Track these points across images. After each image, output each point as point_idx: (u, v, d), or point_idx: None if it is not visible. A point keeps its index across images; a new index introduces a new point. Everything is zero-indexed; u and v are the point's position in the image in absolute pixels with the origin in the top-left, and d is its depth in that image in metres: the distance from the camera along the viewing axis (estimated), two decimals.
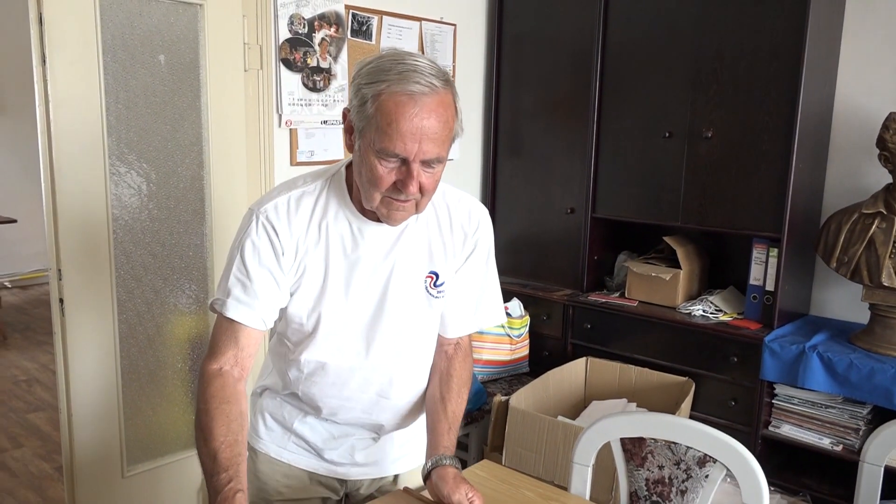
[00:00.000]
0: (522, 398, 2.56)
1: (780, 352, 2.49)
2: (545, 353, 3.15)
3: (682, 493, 1.40)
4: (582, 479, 1.48)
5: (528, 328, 3.12)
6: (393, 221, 1.25)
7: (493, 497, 1.46)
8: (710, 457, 1.38)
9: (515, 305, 3.09)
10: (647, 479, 1.43)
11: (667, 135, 2.82)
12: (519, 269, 3.37)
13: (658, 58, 2.84)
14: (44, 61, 2.04)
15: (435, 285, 1.33)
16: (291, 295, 1.29)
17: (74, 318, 2.18)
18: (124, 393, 2.33)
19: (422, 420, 1.45)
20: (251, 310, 1.25)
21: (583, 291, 3.10)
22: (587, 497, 1.48)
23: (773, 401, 2.59)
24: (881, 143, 2.39)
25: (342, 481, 1.46)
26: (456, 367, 1.41)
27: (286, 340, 1.36)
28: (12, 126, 5.89)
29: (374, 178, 1.17)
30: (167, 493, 2.46)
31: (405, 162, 1.16)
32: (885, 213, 2.41)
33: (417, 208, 1.24)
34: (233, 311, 1.24)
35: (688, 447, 1.40)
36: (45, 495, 2.91)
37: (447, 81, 1.18)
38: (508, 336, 3.03)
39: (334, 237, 1.28)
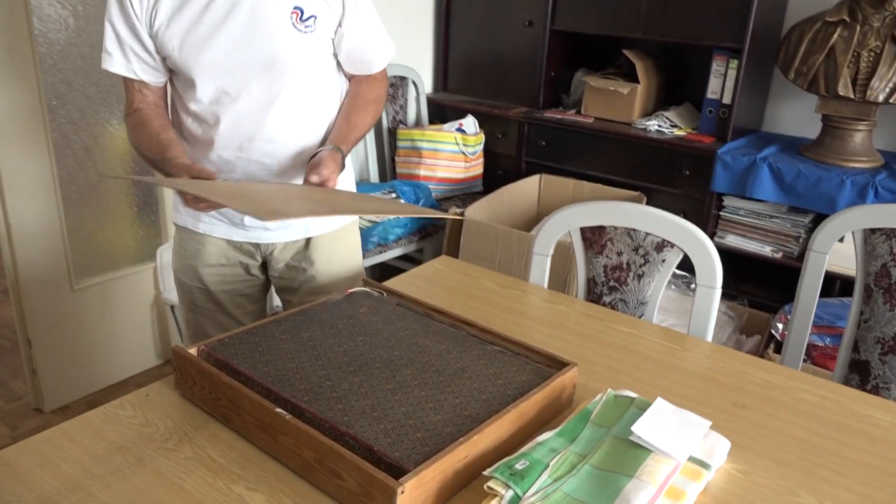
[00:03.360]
0: (477, 211, 2.56)
1: (731, 163, 2.52)
2: (499, 172, 3.13)
3: (640, 277, 1.43)
4: (541, 269, 1.49)
5: (482, 146, 3.07)
6: None
7: (453, 288, 1.47)
8: (668, 241, 1.40)
9: (470, 122, 3.02)
10: (605, 266, 1.45)
11: None
12: (474, 86, 3.27)
13: None
14: None
15: (301, 20, 1.30)
16: (159, 40, 1.29)
17: (4, 126, 2.03)
18: (65, 206, 2.23)
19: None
20: (126, 61, 1.32)
21: (539, 109, 3.04)
22: (545, 286, 1.51)
23: (721, 213, 2.66)
24: None
25: (256, 245, 1.48)
26: (363, 87, 1.46)
27: (176, 93, 1.38)
28: None
29: None
30: (120, 306, 2.44)
31: None
32: (847, 20, 2.36)
33: None
34: (108, 63, 1.32)
35: (647, 233, 1.41)
36: None
37: None
38: (463, 154, 2.99)
39: None
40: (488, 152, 3.13)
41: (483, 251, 2.41)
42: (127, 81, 1.36)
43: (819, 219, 2.55)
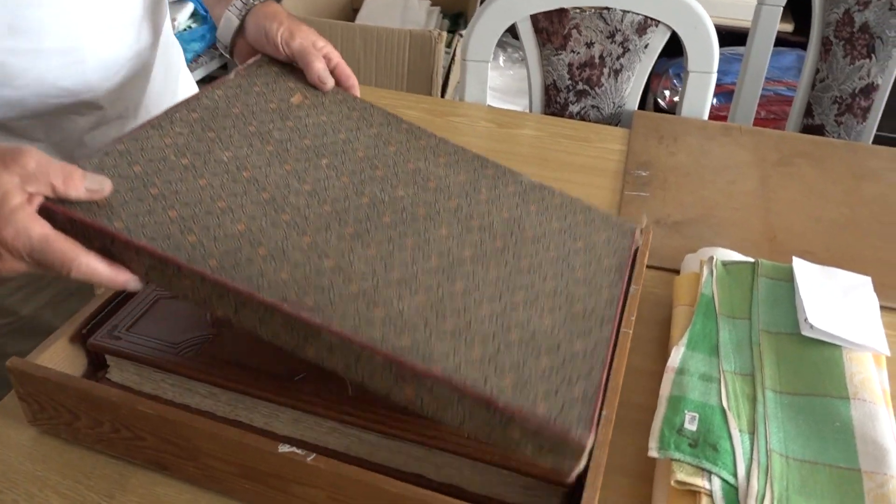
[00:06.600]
0: (290, 3, 1.98)
1: None
2: None
3: (616, 72, 1.08)
4: (480, 82, 1.09)
5: None
6: None
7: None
8: (652, 19, 1.05)
9: None
10: (570, 65, 1.08)
11: None
12: None
13: None
14: None
15: None
16: None
17: None
18: None
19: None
20: None
21: None
22: (486, 103, 1.12)
23: None
24: None
25: None
26: None
27: None
28: None
29: None
30: None
31: None
32: None
33: None
34: None
35: (625, 11, 1.05)
36: None
37: None
38: None
39: None
40: None
41: None
42: None
43: None
